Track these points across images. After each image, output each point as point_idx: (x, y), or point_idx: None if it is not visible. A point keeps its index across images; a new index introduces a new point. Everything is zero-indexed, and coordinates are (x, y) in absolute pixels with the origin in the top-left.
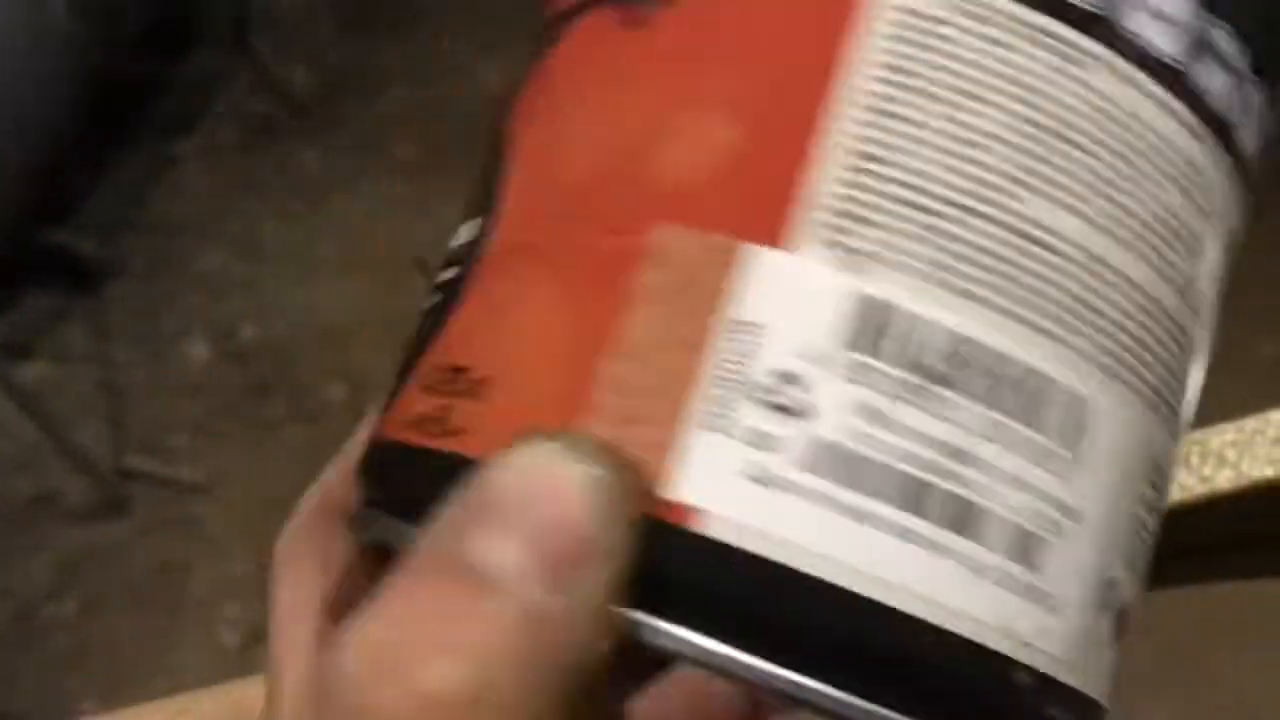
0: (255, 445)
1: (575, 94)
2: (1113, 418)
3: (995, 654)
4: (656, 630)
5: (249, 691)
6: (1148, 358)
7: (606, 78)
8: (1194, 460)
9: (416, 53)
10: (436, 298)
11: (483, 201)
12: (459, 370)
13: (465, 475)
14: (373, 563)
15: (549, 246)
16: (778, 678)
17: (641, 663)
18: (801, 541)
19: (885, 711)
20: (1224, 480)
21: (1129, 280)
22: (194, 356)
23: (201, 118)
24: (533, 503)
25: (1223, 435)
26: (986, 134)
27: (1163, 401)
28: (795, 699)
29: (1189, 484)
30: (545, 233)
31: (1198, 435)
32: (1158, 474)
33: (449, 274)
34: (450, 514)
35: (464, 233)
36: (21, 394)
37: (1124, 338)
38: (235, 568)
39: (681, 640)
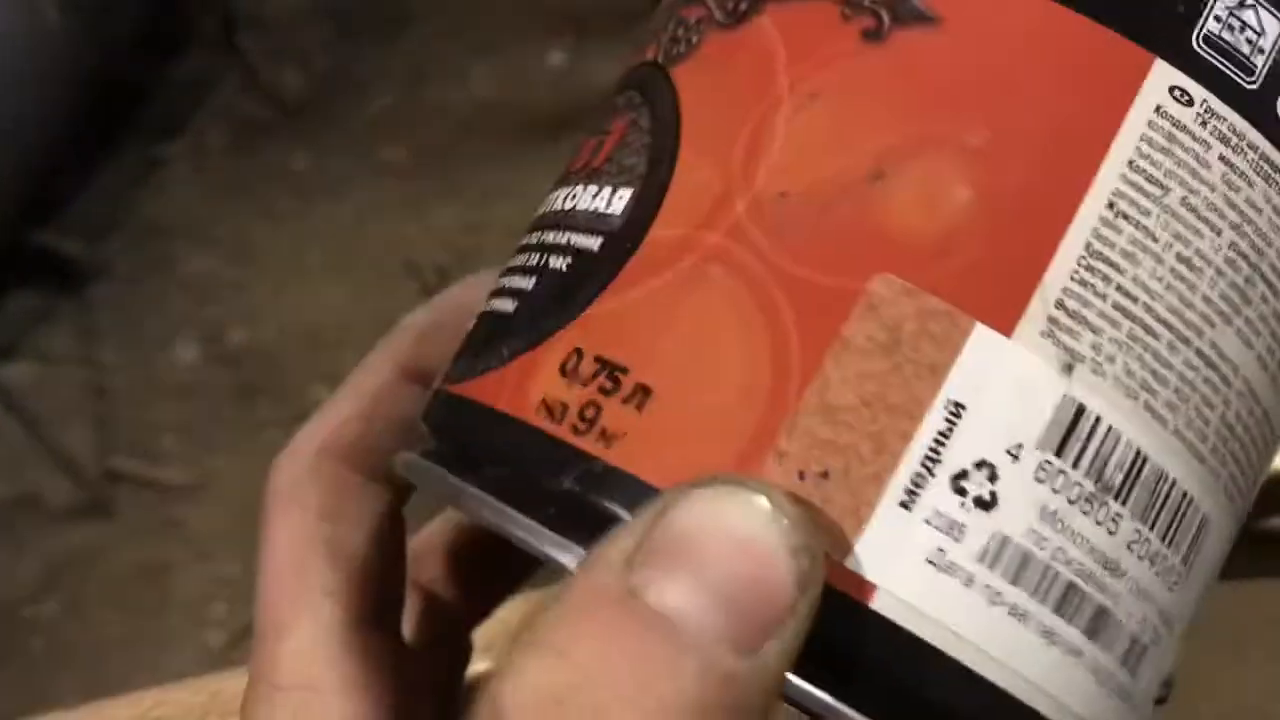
0: (243, 448)
1: (784, 93)
2: (1219, 535)
3: None
4: (820, 701)
5: (228, 684)
6: (1254, 483)
7: (827, 86)
8: None
9: (407, 56)
10: (561, 261)
11: (639, 172)
12: (612, 366)
13: (615, 486)
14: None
15: (742, 259)
16: None
17: None
18: (966, 633)
19: None
20: None
21: (1266, 414)
22: (182, 359)
23: (191, 119)
24: (726, 555)
25: None
26: (1203, 258)
27: (1244, 515)
28: None
29: None
30: (737, 241)
31: None
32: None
33: (585, 241)
34: (625, 544)
35: (592, 198)
36: (6, 395)
37: (1249, 467)
38: (222, 569)
39: (841, 714)
